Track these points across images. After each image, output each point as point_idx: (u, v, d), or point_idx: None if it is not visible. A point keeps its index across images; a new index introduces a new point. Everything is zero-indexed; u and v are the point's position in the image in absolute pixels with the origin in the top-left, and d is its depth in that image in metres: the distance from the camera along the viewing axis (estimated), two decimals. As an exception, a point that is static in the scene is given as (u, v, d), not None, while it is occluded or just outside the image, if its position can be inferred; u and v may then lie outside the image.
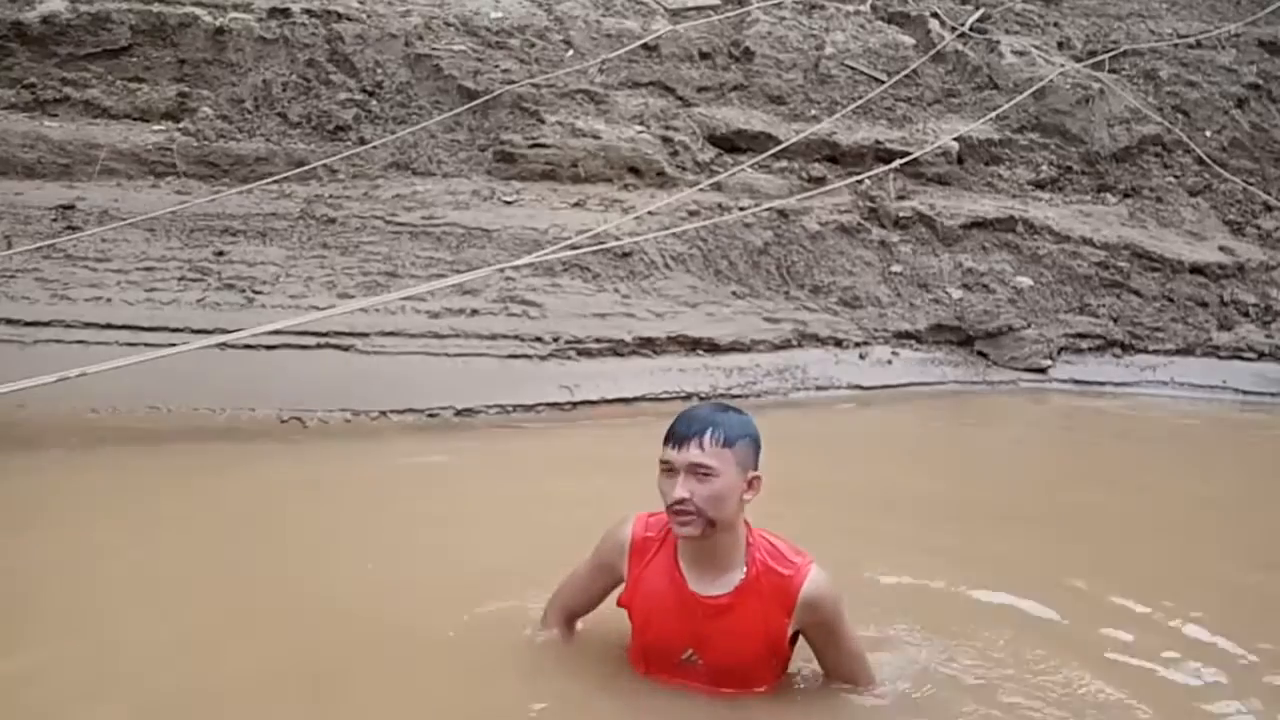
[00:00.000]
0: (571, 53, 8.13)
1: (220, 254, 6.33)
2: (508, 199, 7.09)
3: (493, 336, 6.01)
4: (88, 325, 5.63)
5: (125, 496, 4.24)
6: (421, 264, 6.43)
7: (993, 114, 8.23)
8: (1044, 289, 7.28)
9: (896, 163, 7.68)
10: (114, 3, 7.57)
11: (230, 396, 5.29)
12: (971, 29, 9.08)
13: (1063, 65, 8.66)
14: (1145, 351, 7.00)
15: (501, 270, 6.20)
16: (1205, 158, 8.33)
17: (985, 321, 6.87)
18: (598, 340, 6.14)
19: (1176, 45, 9.25)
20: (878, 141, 7.87)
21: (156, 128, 7.31)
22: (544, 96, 7.61)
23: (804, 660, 2.75)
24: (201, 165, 7.12)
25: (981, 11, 9.32)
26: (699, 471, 2.47)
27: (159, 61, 7.58)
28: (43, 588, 3.38)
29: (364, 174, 7.18)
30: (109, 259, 6.17)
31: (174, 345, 5.15)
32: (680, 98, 8.02)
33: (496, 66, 7.80)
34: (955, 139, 7.98)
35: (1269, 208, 8.11)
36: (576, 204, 7.11)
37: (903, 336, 6.82)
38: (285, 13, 7.81)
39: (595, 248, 6.45)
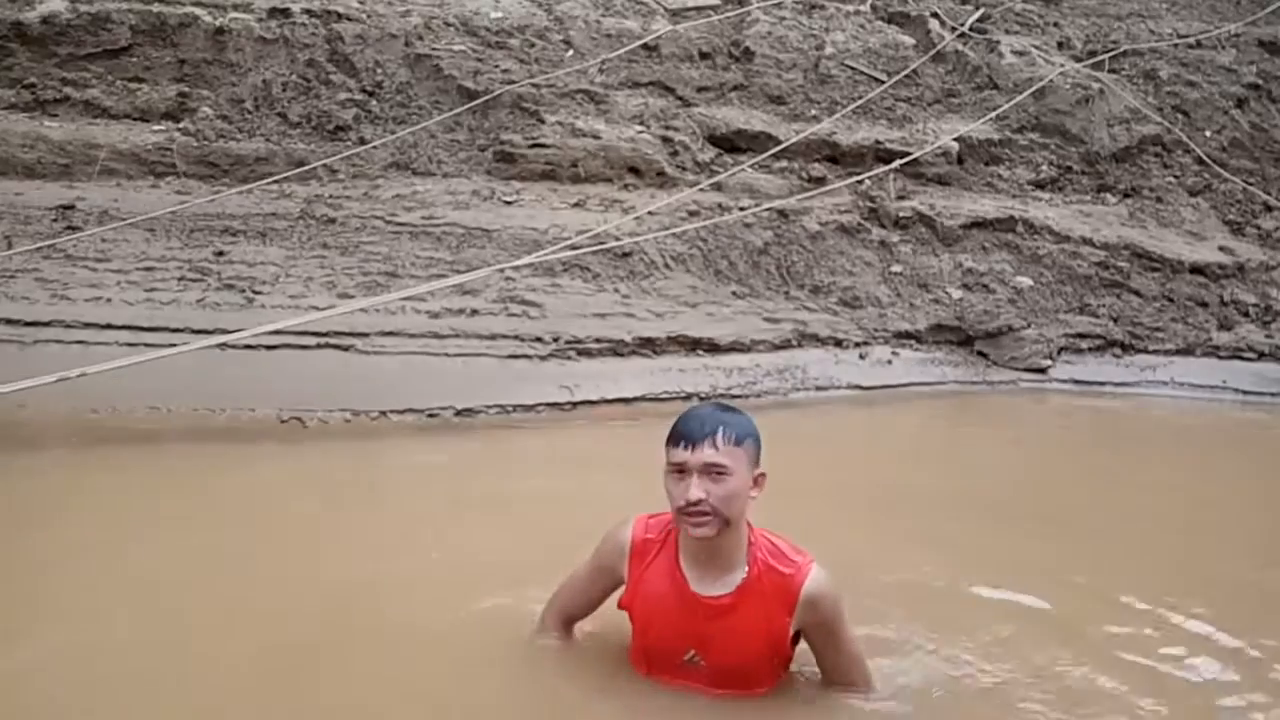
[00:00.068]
0: (571, 53, 8.13)
1: (220, 254, 6.33)
2: (508, 199, 7.10)
3: (493, 336, 6.01)
4: (88, 325, 5.63)
5: (125, 496, 4.24)
6: (421, 264, 6.43)
7: (993, 114, 8.24)
8: (1044, 289, 7.28)
9: (896, 163, 7.68)
10: (114, 3, 7.57)
11: (230, 396, 5.29)
12: (971, 29, 9.08)
13: (1063, 65, 8.66)
14: (1145, 351, 7.00)
15: (501, 270, 6.20)
16: (1205, 158, 8.33)
17: (985, 321, 6.87)
18: (598, 340, 6.14)
19: (1176, 45, 9.25)
20: (878, 141, 7.87)
21: (156, 128, 7.31)
22: (544, 96, 7.61)
23: (804, 661, 2.75)
24: (201, 165, 7.12)
25: (981, 11, 9.32)
26: (714, 471, 2.47)
27: (159, 61, 7.58)
28: (43, 586, 3.38)
29: (364, 174, 7.18)
30: (109, 259, 6.17)
31: (174, 345, 5.15)
32: (680, 98, 8.02)
33: (496, 66, 7.80)
34: (955, 139, 7.98)
35: (1269, 208, 8.11)
36: (576, 204, 7.11)
37: (903, 336, 6.82)
38: (285, 13, 7.81)
39: (595, 248, 6.45)
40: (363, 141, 7.32)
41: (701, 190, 7.30)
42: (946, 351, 6.84)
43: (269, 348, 5.53)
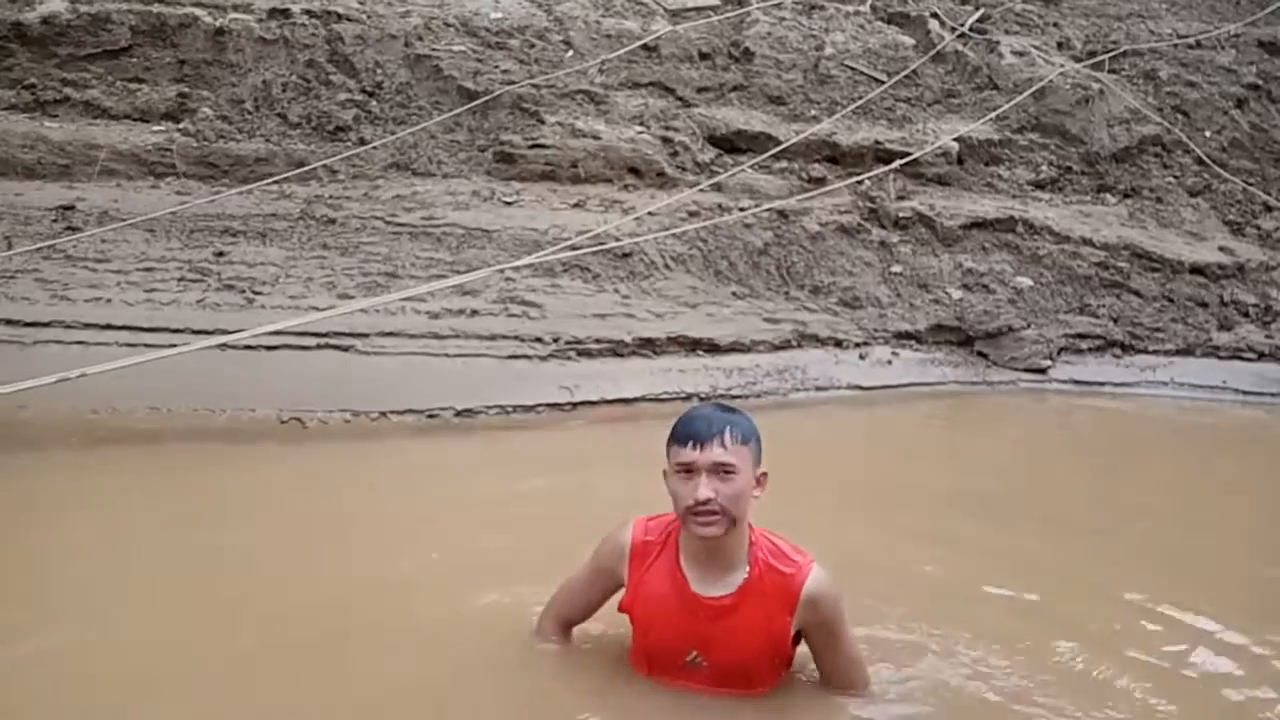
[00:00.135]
0: (571, 53, 8.13)
1: (220, 254, 6.33)
2: (508, 199, 7.10)
3: (493, 337, 6.01)
4: (88, 326, 5.63)
5: (125, 497, 4.24)
6: (421, 264, 6.43)
7: (993, 114, 8.24)
8: (1044, 289, 7.28)
9: (896, 163, 7.68)
10: (114, 3, 7.57)
11: (230, 397, 5.29)
12: (971, 29, 9.08)
13: (1062, 65, 8.66)
14: (1145, 352, 7.00)
15: (501, 271, 6.20)
16: (1205, 158, 8.33)
17: (985, 322, 6.87)
18: (598, 341, 6.14)
19: (1176, 45, 9.25)
20: (878, 142, 7.87)
21: (156, 128, 7.31)
22: (544, 97, 7.61)
23: (804, 662, 2.74)
24: (201, 166, 7.13)
25: (981, 12, 9.32)
26: (722, 470, 2.47)
27: (159, 62, 7.58)
28: (43, 585, 3.39)
29: (364, 174, 7.18)
30: (109, 260, 6.17)
31: (174, 346, 5.15)
32: (680, 98, 8.02)
33: (496, 67, 7.80)
34: (955, 139, 7.98)
35: (1269, 208, 8.11)
36: (576, 204, 7.11)
37: (903, 337, 6.82)
38: (285, 13, 7.81)
39: (595, 248, 6.45)
40: (363, 142, 7.32)
41: (701, 191, 7.30)
42: (946, 352, 6.84)
43: (269, 348, 5.53)
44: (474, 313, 6.13)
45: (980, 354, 6.84)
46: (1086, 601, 3.56)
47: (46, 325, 5.61)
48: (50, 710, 2.70)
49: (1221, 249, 7.68)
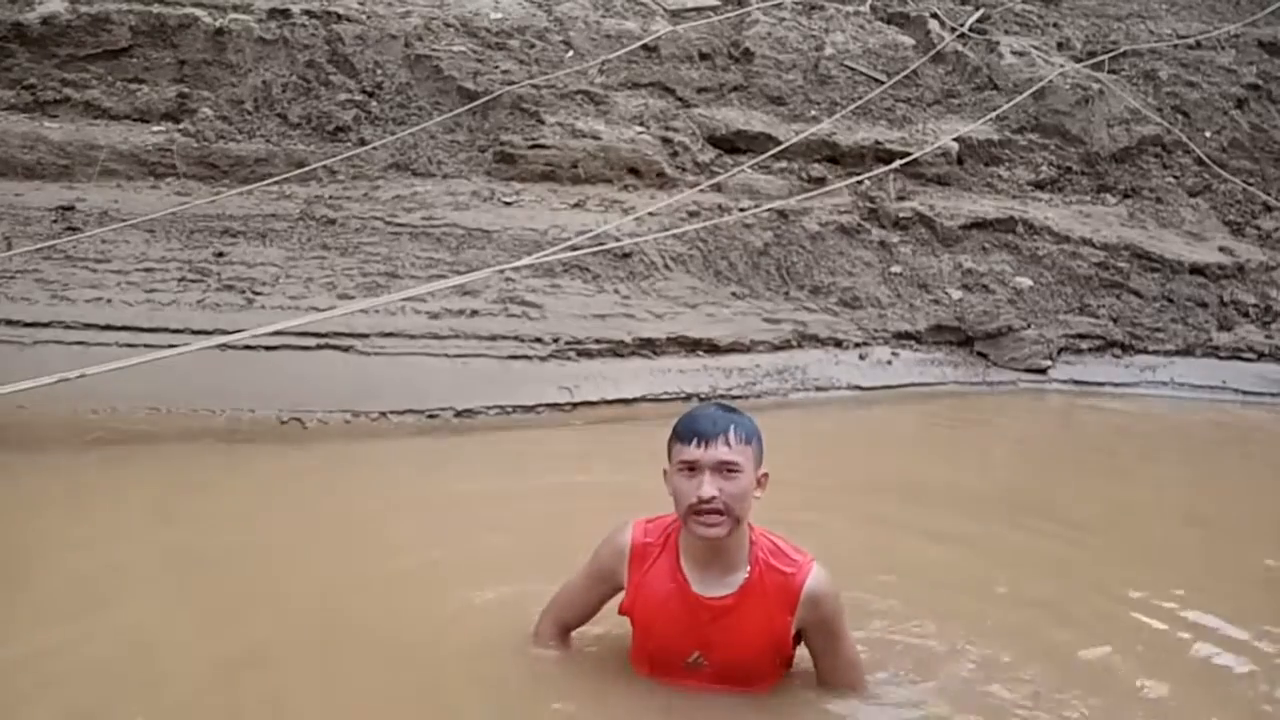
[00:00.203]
0: (571, 53, 8.13)
1: (220, 255, 6.33)
2: (507, 200, 7.10)
3: (492, 337, 6.01)
4: (88, 326, 5.63)
5: (124, 496, 4.25)
6: (421, 265, 6.43)
7: (992, 114, 8.24)
8: (1044, 289, 7.28)
9: (896, 163, 7.68)
10: (114, 3, 7.57)
11: (230, 397, 5.29)
12: (971, 29, 9.08)
13: (1062, 66, 8.66)
14: (1145, 352, 6.99)
15: (501, 271, 6.20)
16: (1205, 158, 8.33)
17: (985, 322, 6.87)
18: (597, 341, 6.14)
19: (1176, 46, 9.25)
20: (877, 142, 7.87)
21: (156, 128, 7.31)
22: (544, 97, 7.61)
23: (804, 661, 2.74)
24: (201, 166, 7.13)
25: (981, 12, 9.32)
26: (726, 469, 2.47)
27: (159, 62, 7.58)
28: (43, 583, 3.39)
29: (364, 175, 7.18)
30: (109, 260, 6.17)
31: (174, 346, 5.15)
32: (680, 98, 8.03)
33: (496, 67, 7.80)
34: (955, 139, 7.98)
35: (1269, 208, 8.11)
36: (576, 205, 7.11)
37: (902, 337, 6.82)
38: (285, 14, 7.81)
39: (595, 249, 6.45)
40: (363, 142, 7.32)
41: (701, 191, 7.30)
42: (946, 352, 6.83)
43: (269, 348, 5.53)
44: (474, 313, 6.13)
45: (980, 354, 6.84)
46: (1090, 598, 3.57)
47: (46, 325, 5.61)
48: (48, 707, 2.70)
49: (1221, 249, 7.68)
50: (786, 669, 2.71)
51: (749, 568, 2.59)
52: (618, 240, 6.68)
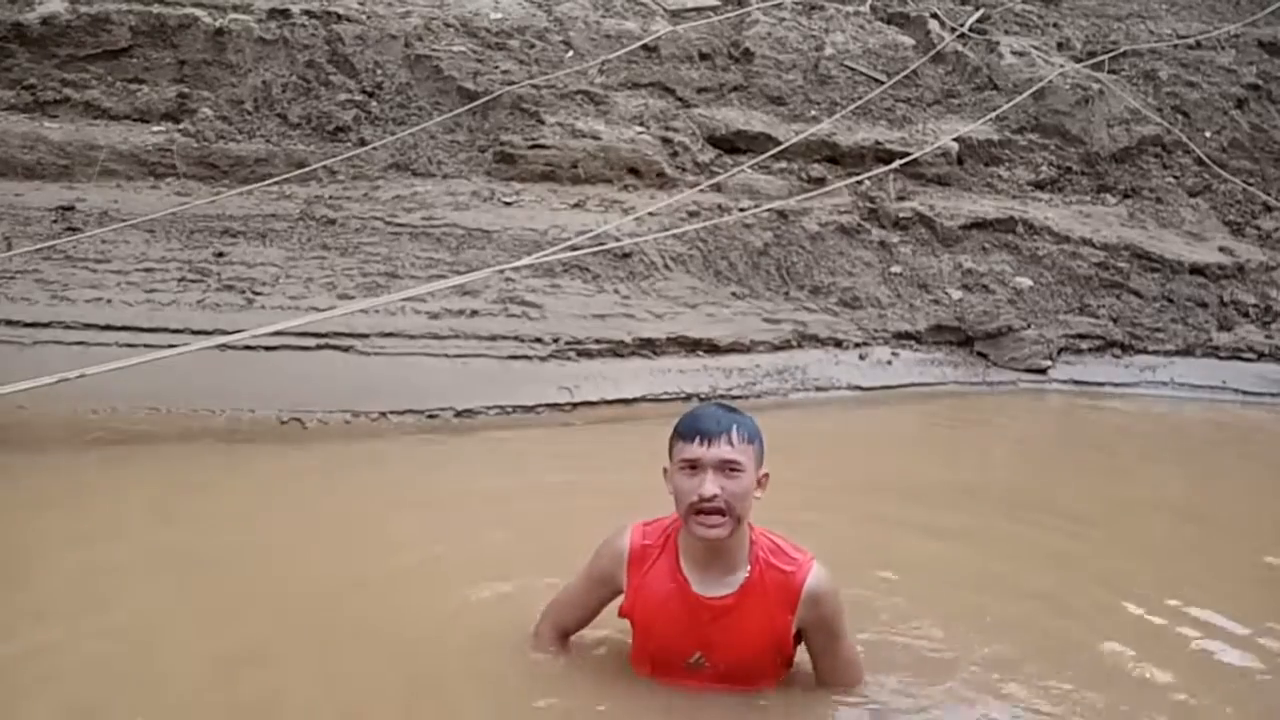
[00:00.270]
0: (571, 54, 8.13)
1: (220, 255, 6.33)
2: (507, 200, 7.10)
3: (492, 337, 6.01)
4: (87, 326, 5.63)
5: (124, 496, 4.25)
6: (421, 265, 6.43)
7: (992, 114, 8.24)
8: (1044, 289, 7.28)
9: (896, 163, 7.68)
10: (114, 4, 7.57)
11: (230, 397, 5.29)
12: (971, 30, 9.08)
13: (1062, 66, 8.66)
14: (1145, 352, 6.99)
15: (501, 271, 6.20)
16: (1205, 158, 8.33)
17: (985, 322, 6.87)
18: (597, 341, 6.14)
19: (1176, 46, 9.25)
20: (877, 142, 7.87)
21: (156, 129, 7.31)
22: (544, 97, 7.61)
23: (805, 661, 2.74)
24: (201, 166, 7.13)
25: (981, 12, 9.32)
26: (729, 468, 2.47)
27: (159, 62, 7.58)
28: (43, 581, 3.40)
29: (364, 175, 7.18)
30: (109, 260, 6.17)
31: (174, 346, 5.15)
32: (680, 98, 8.03)
33: (496, 67, 7.80)
34: (955, 139, 7.98)
35: (1269, 208, 8.11)
36: (576, 205, 7.11)
37: (902, 337, 6.82)
38: (285, 14, 7.81)
39: (595, 249, 6.45)
40: (363, 142, 7.32)
41: (701, 191, 7.30)
42: (946, 352, 6.83)
43: (269, 349, 5.53)
44: (474, 313, 6.13)
45: (980, 354, 6.84)
46: (1091, 593, 3.58)
47: (46, 325, 5.61)
48: (47, 703, 2.71)
49: (1221, 249, 7.68)
50: (787, 669, 2.71)
51: (749, 567, 2.59)
52: (618, 240, 6.68)
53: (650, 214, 6.93)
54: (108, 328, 5.63)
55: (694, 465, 2.48)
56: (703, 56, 8.34)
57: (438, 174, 7.27)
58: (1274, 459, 5.90)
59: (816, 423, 5.97)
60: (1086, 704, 2.83)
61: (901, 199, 7.61)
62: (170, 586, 3.39)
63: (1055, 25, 9.49)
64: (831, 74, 8.39)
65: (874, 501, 4.52)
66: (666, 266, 6.82)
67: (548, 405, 5.73)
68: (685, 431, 2.51)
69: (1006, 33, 9.18)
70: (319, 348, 5.67)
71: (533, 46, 8.09)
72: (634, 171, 7.43)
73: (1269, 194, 8.22)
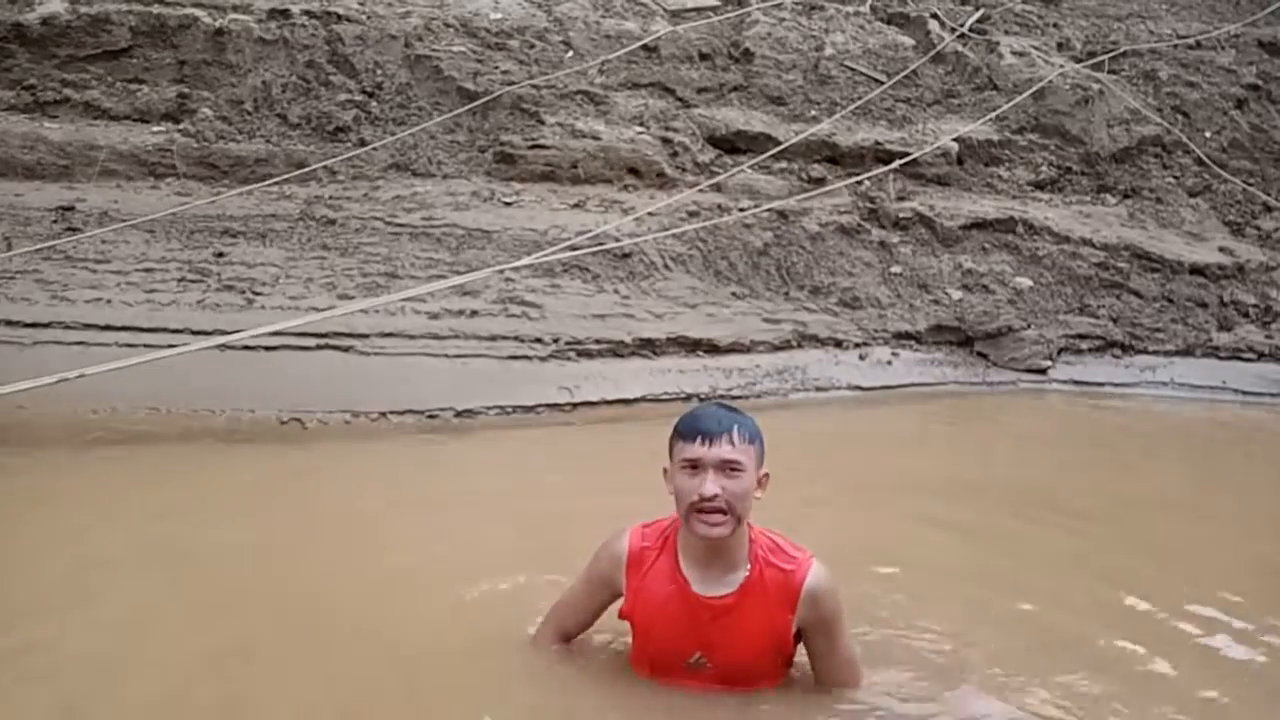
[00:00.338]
0: (571, 54, 8.14)
1: (220, 255, 6.33)
2: (507, 200, 7.10)
3: (492, 338, 6.01)
4: (87, 326, 5.63)
5: (124, 496, 4.24)
6: (421, 265, 6.43)
7: (992, 115, 8.24)
8: (1044, 290, 7.28)
9: (896, 163, 7.68)
10: (114, 4, 7.57)
11: (230, 397, 5.29)
12: (971, 30, 9.08)
13: (1062, 66, 8.66)
14: (1145, 352, 6.99)
15: (501, 271, 6.20)
16: (1205, 158, 8.33)
17: (985, 322, 6.87)
18: (597, 341, 6.14)
19: (1176, 46, 9.25)
20: (877, 142, 7.87)
21: (156, 129, 7.32)
22: (544, 97, 7.61)
23: (805, 661, 2.75)
24: (201, 166, 7.13)
25: (981, 12, 9.32)
26: (729, 468, 2.47)
27: (159, 63, 7.58)
28: (41, 579, 3.40)
29: (364, 175, 7.19)
30: (109, 260, 6.17)
31: (174, 346, 5.15)
32: (680, 99, 8.03)
33: (496, 68, 7.80)
34: (955, 140, 7.98)
35: (1269, 208, 8.11)
36: (576, 205, 7.11)
37: (902, 337, 6.82)
38: (285, 14, 7.81)
39: (595, 249, 6.45)
40: (363, 143, 7.32)
41: (701, 191, 7.30)
42: (946, 352, 6.83)
43: (269, 349, 5.53)
44: (474, 313, 6.13)
45: (980, 354, 6.84)
46: (1093, 588, 3.59)
47: (46, 326, 5.61)
48: (43, 697, 2.72)
49: (1221, 249, 7.68)
50: (787, 669, 2.71)
51: (749, 566, 2.59)
52: (617, 240, 6.68)
53: (650, 214, 6.93)
54: (108, 328, 5.63)
55: (695, 465, 2.48)
56: (703, 56, 8.34)
57: (438, 174, 7.27)
58: (1275, 458, 5.90)
59: (817, 423, 5.97)
60: (1088, 699, 2.83)
61: (901, 199, 7.61)
62: (167, 584, 3.40)
63: (1055, 25, 9.49)
64: (831, 74, 8.39)
65: (874, 500, 4.53)
66: (666, 266, 6.82)
67: (548, 405, 5.73)
68: (686, 431, 2.51)
69: (1006, 33, 9.18)
70: (319, 348, 5.67)
71: (533, 46, 8.10)
72: (634, 171, 7.43)
73: (1269, 194, 8.21)
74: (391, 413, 5.44)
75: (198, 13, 7.65)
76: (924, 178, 7.84)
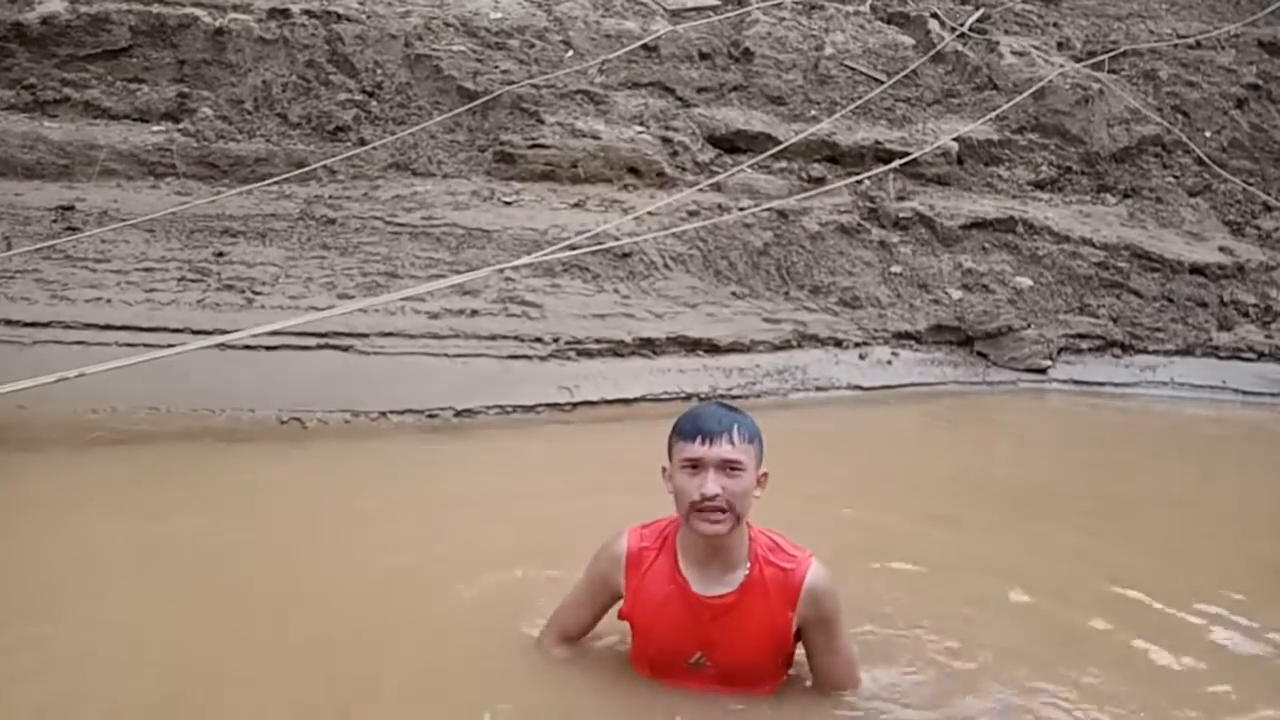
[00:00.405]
0: (571, 53, 8.13)
1: (220, 255, 6.33)
2: (507, 199, 7.10)
3: (492, 337, 6.01)
4: (87, 326, 5.63)
5: (124, 496, 4.25)
6: (421, 264, 6.43)
7: (992, 114, 8.24)
8: (1044, 289, 7.28)
9: (896, 163, 7.68)
10: (114, 3, 7.57)
11: (230, 397, 5.29)
12: (971, 29, 9.08)
13: (1062, 65, 8.66)
14: (1145, 352, 6.99)
15: (501, 271, 6.20)
16: (1205, 158, 8.33)
17: (985, 322, 6.87)
18: (597, 341, 6.14)
19: (1176, 45, 9.25)
20: (877, 142, 7.87)
21: (156, 128, 7.31)
22: (544, 97, 7.61)
23: (805, 661, 2.75)
24: (201, 166, 7.13)
25: (981, 12, 9.32)
26: (730, 467, 2.47)
27: (159, 62, 7.58)
28: (39, 579, 3.40)
29: (364, 175, 7.18)
30: (109, 260, 6.17)
31: (174, 346, 5.15)
32: (680, 98, 8.02)
33: (496, 67, 7.80)
34: (955, 139, 7.98)
35: (1269, 208, 8.11)
36: (576, 204, 7.11)
37: (902, 337, 6.82)
38: (285, 13, 7.81)
39: (595, 248, 6.45)
40: (362, 142, 7.32)
41: (701, 190, 7.30)
42: (946, 352, 6.83)
43: (269, 348, 5.53)
44: (474, 313, 6.13)
45: (980, 354, 6.84)
46: (1097, 585, 3.59)
47: (46, 325, 5.61)
48: (41, 694, 2.73)
49: (1221, 249, 7.68)
50: (787, 668, 2.71)
51: (748, 565, 2.59)
52: (617, 240, 6.68)
53: (650, 214, 6.93)
54: (107, 327, 5.63)
55: (695, 464, 2.48)
56: (703, 56, 8.34)
57: (438, 174, 7.27)
58: (1275, 458, 5.90)
59: (817, 423, 5.97)
60: (1090, 695, 2.83)
61: (901, 199, 7.61)
62: (166, 584, 3.40)
63: (1055, 25, 9.49)
64: (831, 74, 8.39)
65: (874, 500, 4.52)
66: (666, 266, 6.82)
67: (548, 405, 5.73)
68: (686, 431, 2.51)
69: (1006, 32, 9.18)
70: (319, 347, 5.68)
71: (532, 46, 8.09)
72: (634, 171, 7.43)
73: (1269, 194, 8.22)
74: (391, 412, 5.44)
75: (198, 12, 7.64)
76: (924, 177, 7.84)
